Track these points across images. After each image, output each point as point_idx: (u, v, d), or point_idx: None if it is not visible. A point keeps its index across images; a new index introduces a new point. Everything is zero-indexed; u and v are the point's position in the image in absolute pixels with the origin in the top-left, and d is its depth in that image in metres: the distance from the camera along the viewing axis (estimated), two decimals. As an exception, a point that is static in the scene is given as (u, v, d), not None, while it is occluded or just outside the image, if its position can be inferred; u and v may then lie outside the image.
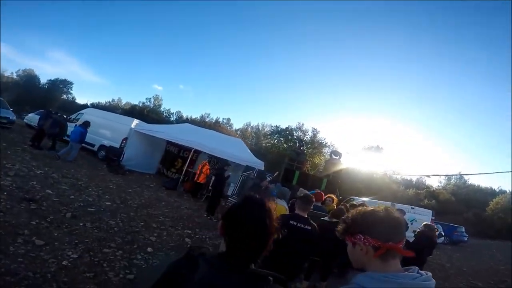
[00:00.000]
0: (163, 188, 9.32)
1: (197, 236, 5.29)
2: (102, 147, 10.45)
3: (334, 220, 4.32)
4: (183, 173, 10.45)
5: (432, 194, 28.80)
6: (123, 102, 59.96)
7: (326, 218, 4.46)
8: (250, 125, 43.27)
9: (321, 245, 4.21)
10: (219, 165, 11.76)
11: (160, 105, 54.38)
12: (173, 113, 53.61)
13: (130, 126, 10.28)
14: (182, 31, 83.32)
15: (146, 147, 10.80)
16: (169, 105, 72.04)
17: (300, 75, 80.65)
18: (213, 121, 47.14)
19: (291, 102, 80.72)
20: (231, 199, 9.10)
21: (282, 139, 29.05)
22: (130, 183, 8.32)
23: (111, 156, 9.24)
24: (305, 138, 28.75)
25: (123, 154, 9.76)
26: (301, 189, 6.94)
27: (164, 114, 51.44)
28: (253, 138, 35.91)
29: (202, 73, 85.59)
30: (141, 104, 53.74)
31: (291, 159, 11.72)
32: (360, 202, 10.35)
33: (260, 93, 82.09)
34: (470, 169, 61.47)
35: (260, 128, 40.57)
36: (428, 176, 28.14)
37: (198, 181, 9.73)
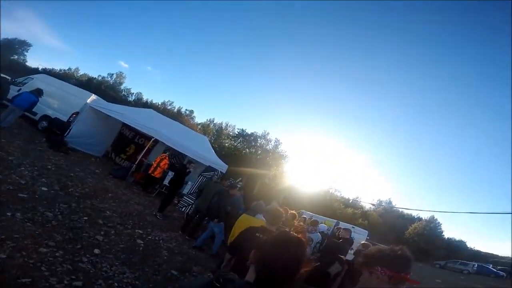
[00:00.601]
0: (110, 176, 8.45)
1: (150, 237, 4.93)
2: (45, 117, 8.98)
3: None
4: (136, 162, 9.64)
5: (365, 214, 32.43)
6: (80, 72, 53.88)
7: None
8: (213, 121, 42.49)
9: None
10: (177, 160, 11.25)
11: (121, 83, 50.59)
12: (133, 93, 50.18)
13: (85, 101, 9.10)
14: (161, 11, 77.65)
15: (98, 127, 9.66)
16: (132, 85, 66.14)
17: (271, 84, 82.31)
18: (175, 110, 45.05)
19: (259, 109, 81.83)
20: (186, 198, 8.74)
21: (245, 143, 29.20)
22: (72, 165, 7.31)
23: (54, 129, 8.02)
24: (267, 147, 29.50)
25: (70, 129, 8.56)
26: (274, 202, 7.06)
27: (123, 93, 47.95)
28: (214, 136, 35.23)
29: (174, 59, 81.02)
30: (100, 78, 49.16)
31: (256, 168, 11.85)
32: (311, 217, 11.03)
33: (229, 93, 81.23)
34: (398, 195, 71.17)
35: (223, 126, 40.06)
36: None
37: (153, 174, 9.11)
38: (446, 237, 38.63)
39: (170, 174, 9.54)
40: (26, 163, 5.53)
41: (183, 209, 8.72)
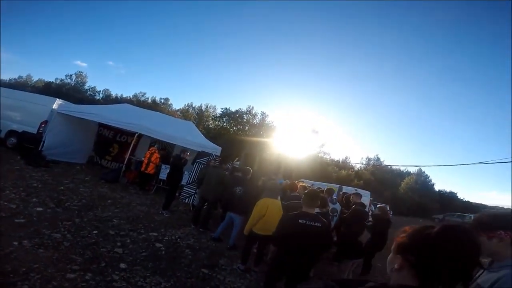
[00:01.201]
0: (102, 182, 8.07)
1: (166, 238, 4.83)
2: (11, 133, 8.18)
3: (324, 210, 4.55)
4: (125, 162, 9.22)
5: (358, 174, 34.10)
6: (34, 79, 49.99)
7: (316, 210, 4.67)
8: (192, 106, 41.16)
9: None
10: (167, 151, 10.84)
11: (84, 83, 47.30)
12: (99, 91, 47.34)
13: (50, 107, 8.32)
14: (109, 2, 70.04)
15: (72, 132, 8.99)
16: (96, 83, 61.69)
17: (248, 57, 79.17)
18: (149, 100, 43.08)
19: (238, 85, 79.67)
20: (187, 188, 8.61)
21: (232, 122, 28.75)
22: (58, 178, 6.86)
23: (27, 144, 7.36)
24: (254, 122, 29.20)
25: (43, 141, 7.89)
26: (280, 177, 7.02)
27: (88, 93, 45.24)
28: (196, 119, 34.36)
29: (136, 49, 75.35)
30: (58, 81, 45.67)
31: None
32: (317, 186, 11.32)
33: (203, 74, 77.71)
34: (384, 151, 74.80)
35: (203, 109, 38.94)
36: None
37: (146, 171, 8.79)
38: (437, 190, 41.64)
39: (164, 168, 9.26)
40: (8, 186, 5.09)
41: (186, 200, 8.64)
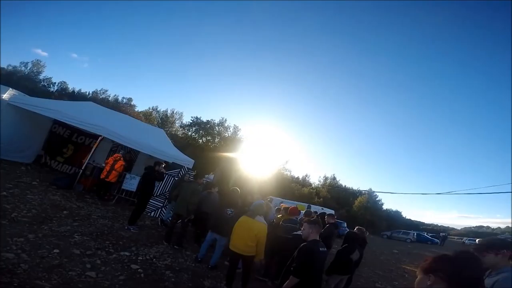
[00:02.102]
0: (54, 188, 6.99)
1: (140, 258, 4.29)
2: None
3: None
4: (83, 167, 8.17)
5: (317, 192, 35.68)
6: None
7: (299, 232, 4.66)
8: (156, 109, 39.00)
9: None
10: (131, 159, 9.93)
11: (39, 73, 42.29)
12: (54, 83, 42.61)
13: (0, 97, 7.10)
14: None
15: (21, 128, 7.75)
16: (53, 75, 54.64)
17: (221, 68, 78.84)
18: (110, 98, 39.88)
19: (210, 95, 78.30)
20: (154, 201, 7.96)
21: (201, 132, 27.65)
22: (0, 180, 5.73)
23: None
24: (226, 135, 28.60)
25: (-18, 135, 6.61)
26: (258, 196, 6.87)
27: (42, 83, 40.80)
28: (159, 125, 32.35)
29: (105, 43, 69.77)
30: (10, 68, 39.81)
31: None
32: (285, 204, 11.41)
33: (173, 78, 74.74)
34: (340, 170, 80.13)
35: (168, 114, 37.10)
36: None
37: (107, 179, 7.87)
38: (385, 209, 45.86)
39: (129, 177, 8.46)
40: None
41: (152, 214, 7.94)
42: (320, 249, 2.64)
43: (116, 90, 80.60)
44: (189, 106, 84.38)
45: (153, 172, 6.68)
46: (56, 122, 9.11)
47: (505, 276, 1.61)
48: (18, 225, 3.93)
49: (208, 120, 29.71)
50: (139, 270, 3.82)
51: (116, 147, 10.61)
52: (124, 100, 42.26)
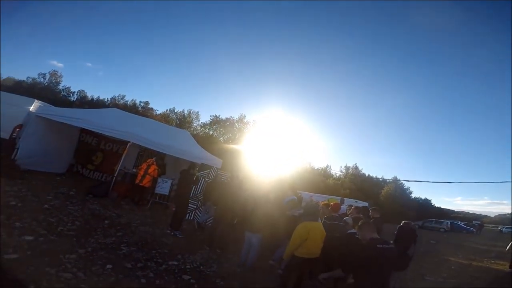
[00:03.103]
0: (91, 196, 6.99)
1: (188, 267, 4.10)
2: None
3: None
4: (115, 174, 8.15)
5: (343, 183, 34.78)
6: (3, 77, 45.67)
7: (353, 231, 4.33)
8: (173, 111, 39.59)
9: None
10: (160, 161, 9.83)
11: (58, 83, 44.09)
12: (73, 92, 44.34)
13: (27, 109, 7.13)
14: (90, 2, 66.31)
15: (51, 138, 7.79)
16: (70, 84, 57.79)
17: (236, 62, 78.14)
18: (128, 103, 41.04)
19: (224, 92, 78.43)
20: (191, 205, 7.82)
21: (221, 130, 27.74)
22: (39, 193, 5.73)
23: (-2, 152, 6.12)
24: (245, 131, 28.49)
25: (17, 149, 6.67)
26: (296, 194, 6.56)
27: (62, 94, 42.47)
28: (177, 126, 32.81)
29: (117, 51, 71.71)
30: (30, 80, 41.99)
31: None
32: (316, 199, 10.99)
33: (187, 77, 75.32)
34: (364, 158, 77.63)
35: (185, 114, 37.50)
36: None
37: (141, 184, 7.84)
38: (414, 197, 44.00)
39: (161, 181, 8.39)
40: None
41: (186, 217, 7.82)
42: (377, 245, 2.62)
43: (132, 95, 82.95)
44: (206, 105, 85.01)
45: (189, 175, 6.52)
46: (83, 131, 9.17)
47: None
48: (66, 240, 3.81)
49: (227, 118, 30.09)
50: (191, 280, 3.61)
51: (143, 152, 10.61)
52: (142, 104, 43.25)
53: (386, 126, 76.00)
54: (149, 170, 7.94)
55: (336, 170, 44.50)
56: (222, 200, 5.84)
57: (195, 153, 9.42)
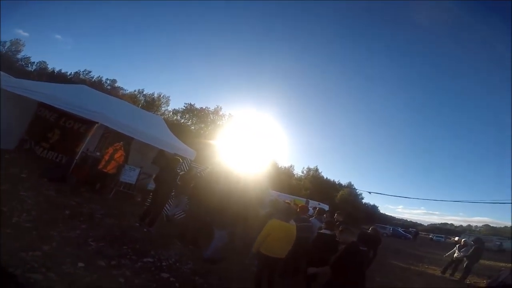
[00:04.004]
0: (45, 180, 6.25)
1: (165, 264, 3.95)
2: None
3: (331, 232, 4.56)
4: (77, 156, 7.40)
5: (303, 184, 36.31)
6: None
7: (325, 231, 4.60)
8: (142, 92, 36.94)
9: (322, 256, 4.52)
10: (127, 147, 9.16)
11: (18, 51, 39.90)
12: (33, 63, 40.41)
13: None
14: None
15: (3, 110, 6.80)
16: (32, 54, 50.33)
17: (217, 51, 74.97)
18: (94, 79, 37.30)
19: (205, 81, 75.16)
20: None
21: (194, 119, 26.52)
22: (-17, 173, 4.96)
23: None
24: (219, 123, 27.68)
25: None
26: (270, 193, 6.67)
27: (19, 63, 38.72)
28: (143, 109, 30.70)
29: (89, 25, 65.51)
30: None
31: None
32: (283, 199, 11.30)
33: (162, 59, 70.47)
34: (322, 161, 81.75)
35: (155, 97, 35.16)
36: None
37: (105, 170, 7.25)
38: (364, 202, 47.90)
39: (128, 168, 7.85)
40: None
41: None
42: (360, 248, 3.04)
43: (99, 72, 76.08)
44: (180, 92, 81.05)
45: (174, 172, 6.14)
46: (42, 105, 8.10)
47: None
48: (25, 234, 3.37)
49: (202, 108, 29.06)
50: (171, 279, 3.50)
51: (108, 133, 9.78)
52: (108, 82, 39.79)
53: (349, 132, 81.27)
54: (116, 156, 7.34)
55: (299, 170, 46.37)
56: (197, 195, 5.67)
57: (169, 142, 9.02)
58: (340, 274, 2.83)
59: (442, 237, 40.77)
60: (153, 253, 4.30)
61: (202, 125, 26.34)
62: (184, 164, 8.11)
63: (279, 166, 35.17)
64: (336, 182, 45.81)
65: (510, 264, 13.30)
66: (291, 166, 43.77)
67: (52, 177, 6.45)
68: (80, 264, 3.02)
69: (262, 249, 3.86)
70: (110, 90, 34.74)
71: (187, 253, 4.87)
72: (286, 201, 7.16)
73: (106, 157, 7.27)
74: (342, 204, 35.09)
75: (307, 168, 46.57)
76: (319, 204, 12.59)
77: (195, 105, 29.98)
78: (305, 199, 12.44)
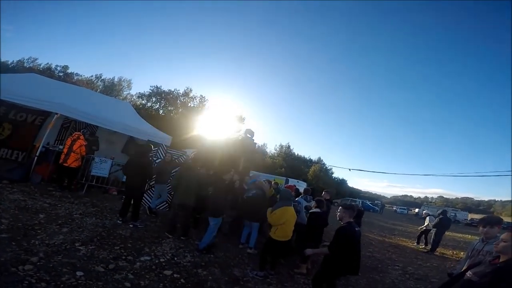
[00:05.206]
0: (6, 182, 5.65)
1: (163, 260, 3.92)
2: None
3: (321, 210, 4.92)
4: (37, 152, 6.70)
5: (278, 162, 37.24)
6: None
7: (316, 210, 4.93)
8: (101, 77, 33.40)
9: (315, 232, 4.99)
10: (91, 136, 8.47)
11: None
12: None
13: None
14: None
15: None
16: None
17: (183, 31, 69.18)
18: (41, 67, 32.74)
19: (173, 63, 69.48)
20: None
21: (163, 102, 24.67)
22: None
23: None
24: (191, 105, 26.22)
25: None
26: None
27: None
28: (102, 94, 28.08)
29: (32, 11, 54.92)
30: None
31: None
32: (264, 178, 11.56)
33: (120, 41, 63.33)
34: (294, 139, 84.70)
35: (115, 81, 32.05)
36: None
37: (65, 164, 6.56)
38: (334, 177, 50.86)
39: (98, 160, 7.36)
40: None
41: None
42: (356, 229, 3.15)
43: (48, 59, 66.94)
44: (146, 75, 75.01)
45: (146, 157, 5.82)
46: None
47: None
48: (5, 247, 3.09)
49: (170, 90, 27.27)
50: (174, 275, 3.53)
51: (68, 124, 8.95)
52: (59, 68, 35.20)
53: (319, 110, 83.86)
54: (74, 147, 6.59)
55: (271, 148, 47.33)
56: (183, 184, 5.53)
57: (140, 128, 8.57)
58: (342, 253, 3.07)
59: (405, 209, 46.02)
60: (148, 250, 4.25)
61: (172, 108, 25.01)
62: (159, 151, 7.79)
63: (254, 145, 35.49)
64: (307, 158, 47.97)
65: (469, 236, 15.60)
66: (264, 145, 44.59)
67: (13, 177, 5.84)
68: (79, 273, 2.89)
69: (276, 236, 4.18)
70: (63, 77, 31.00)
71: (181, 245, 4.87)
72: (268, 180, 7.32)
73: (65, 150, 6.58)
74: (314, 179, 37.11)
75: (279, 145, 47.89)
76: (298, 181, 13.15)
77: (162, 87, 28.28)
78: (284, 178, 12.90)
